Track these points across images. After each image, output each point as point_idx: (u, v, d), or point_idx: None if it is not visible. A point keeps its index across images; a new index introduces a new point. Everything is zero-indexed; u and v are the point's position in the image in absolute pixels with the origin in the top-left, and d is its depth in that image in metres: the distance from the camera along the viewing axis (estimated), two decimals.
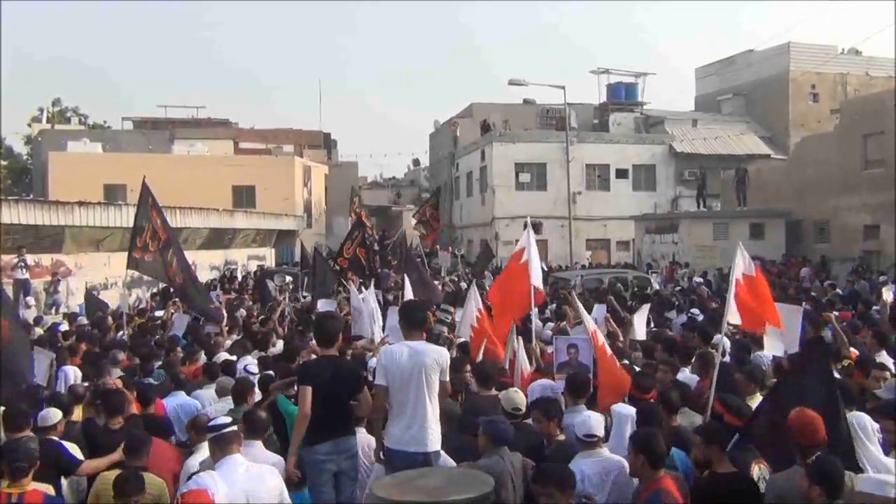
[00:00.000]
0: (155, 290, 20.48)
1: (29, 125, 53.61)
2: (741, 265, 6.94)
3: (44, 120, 52.19)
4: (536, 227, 36.57)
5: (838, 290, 16.72)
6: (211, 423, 5.13)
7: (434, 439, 5.40)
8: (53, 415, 6.04)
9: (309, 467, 5.55)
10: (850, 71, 39.81)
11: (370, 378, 6.34)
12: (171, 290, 15.58)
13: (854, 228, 25.80)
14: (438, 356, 5.54)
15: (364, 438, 5.94)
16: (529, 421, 5.89)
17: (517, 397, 6.04)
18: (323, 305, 13.71)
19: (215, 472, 4.72)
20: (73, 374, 8.83)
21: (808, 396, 4.85)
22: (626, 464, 4.87)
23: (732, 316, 7.16)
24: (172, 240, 12.26)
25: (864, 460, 4.89)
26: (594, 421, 5.22)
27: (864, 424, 5.15)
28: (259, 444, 5.54)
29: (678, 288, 21.11)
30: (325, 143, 51.81)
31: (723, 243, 28.20)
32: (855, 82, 39.44)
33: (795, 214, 28.51)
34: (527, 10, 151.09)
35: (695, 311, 13.63)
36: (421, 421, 5.37)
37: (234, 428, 5.02)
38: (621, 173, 38.14)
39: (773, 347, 7.64)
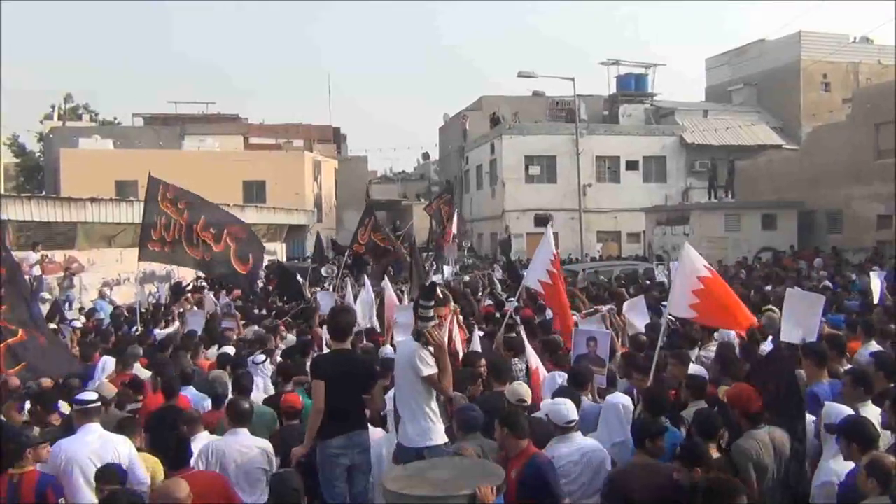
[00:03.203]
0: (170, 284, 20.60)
1: (41, 122, 53.88)
2: (695, 263, 7.16)
3: (55, 117, 52.39)
4: (546, 220, 36.75)
5: (827, 283, 16.31)
6: (77, 398, 5.91)
7: (423, 435, 5.47)
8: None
9: (322, 461, 5.59)
10: (861, 60, 39.44)
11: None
12: (197, 277, 16.19)
13: (867, 218, 25.64)
14: (409, 353, 5.61)
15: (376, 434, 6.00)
16: (537, 414, 5.93)
17: (522, 389, 6.08)
18: (322, 298, 13.62)
19: (65, 439, 5.60)
20: (111, 364, 8.96)
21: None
22: (599, 445, 5.42)
23: (676, 308, 7.36)
24: (193, 223, 12.47)
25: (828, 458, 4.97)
26: (569, 407, 5.46)
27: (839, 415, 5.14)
28: (244, 431, 5.94)
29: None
30: (335, 137, 51.81)
31: (734, 234, 28.15)
32: (867, 71, 39.09)
33: (808, 205, 28.34)
34: (532, 5, 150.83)
35: None
36: (411, 418, 5.52)
37: (98, 404, 5.87)
38: (631, 165, 37.99)
39: (791, 335, 7.61)
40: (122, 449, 5.59)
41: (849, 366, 7.06)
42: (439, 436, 5.51)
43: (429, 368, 5.51)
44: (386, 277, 13.81)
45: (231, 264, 12.79)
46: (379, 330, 11.47)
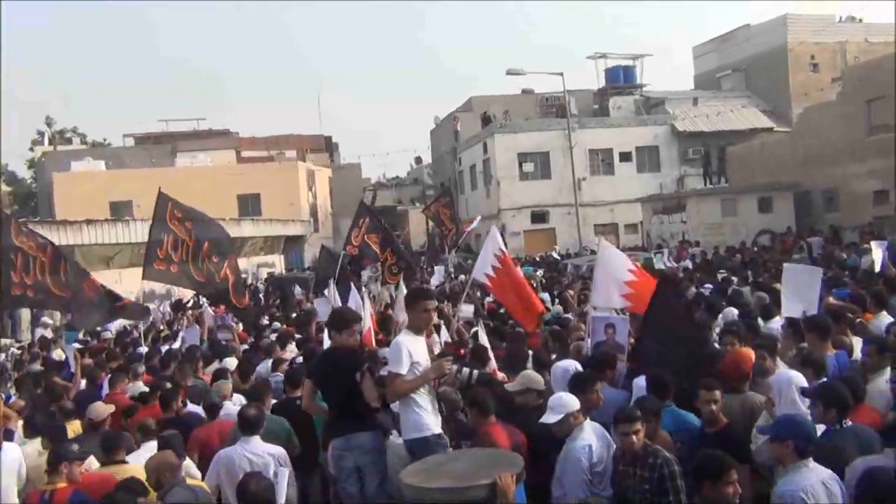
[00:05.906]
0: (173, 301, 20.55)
1: (31, 149, 53.87)
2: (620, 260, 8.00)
3: (45, 142, 52.40)
4: (543, 216, 36.73)
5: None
6: None
7: (411, 427, 5.41)
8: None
9: (331, 461, 5.61)
10: (848, 39, 39.48)
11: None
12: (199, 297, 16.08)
13: (863, 195, 25.60)
14: (394, 346, 5.67)
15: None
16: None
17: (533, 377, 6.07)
18: (320, 305, 13.53)
19: None
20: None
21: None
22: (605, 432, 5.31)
23: (599, 297, 7.96)
24: (200, 244, 12.37)
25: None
26: (572, 399, 5.28)
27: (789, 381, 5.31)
28: (255, 438, 5.84)
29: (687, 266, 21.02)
30: (327, 146, 51.87)
31: (732, 219, 28.13)
32: (854, 50, 39.08)
33: (803, 186, 28.33)
34: (516, 6, 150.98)
35: (708, 285, 13.55)
36: (403, 410, 5.51)
37: None
38: (625, 156, 38.06)
39: (791, 309, 7.60)
40: (11, 454, 5.97)
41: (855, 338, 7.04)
42: (426, 427, 5.34)
43: (393, 365, 5.35)
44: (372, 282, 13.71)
45: (230, 296, 12.71)
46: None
